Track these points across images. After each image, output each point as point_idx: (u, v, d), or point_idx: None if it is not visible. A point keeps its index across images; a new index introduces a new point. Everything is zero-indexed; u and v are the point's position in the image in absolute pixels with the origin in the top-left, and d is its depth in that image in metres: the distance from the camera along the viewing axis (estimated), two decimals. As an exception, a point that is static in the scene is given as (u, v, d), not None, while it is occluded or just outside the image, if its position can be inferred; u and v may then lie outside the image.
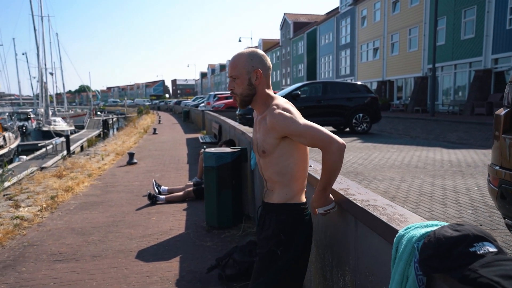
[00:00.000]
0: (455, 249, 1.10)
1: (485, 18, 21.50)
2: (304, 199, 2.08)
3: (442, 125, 16.70)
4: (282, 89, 21.01)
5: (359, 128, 12.87)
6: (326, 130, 1.90)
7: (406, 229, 1.34)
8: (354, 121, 12.79)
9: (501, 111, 2.24)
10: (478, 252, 1.07)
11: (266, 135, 1.98)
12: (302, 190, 2.08)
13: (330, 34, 42.11)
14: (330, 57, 42.45)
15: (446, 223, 1.27)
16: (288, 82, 52.99)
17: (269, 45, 64.64)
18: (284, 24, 55.55)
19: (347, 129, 13.26)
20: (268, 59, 2.09)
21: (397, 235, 1.36)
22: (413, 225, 1.36)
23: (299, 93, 11.99)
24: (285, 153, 1.97)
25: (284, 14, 54.51)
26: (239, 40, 51.20)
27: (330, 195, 2.01)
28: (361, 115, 12.82)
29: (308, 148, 2.08)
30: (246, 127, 7.82)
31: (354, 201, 1.82)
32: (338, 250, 2.14)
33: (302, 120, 1.93)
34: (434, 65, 21.80)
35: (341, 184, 2.15)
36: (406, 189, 5.68)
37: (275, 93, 2.18)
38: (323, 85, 13.08)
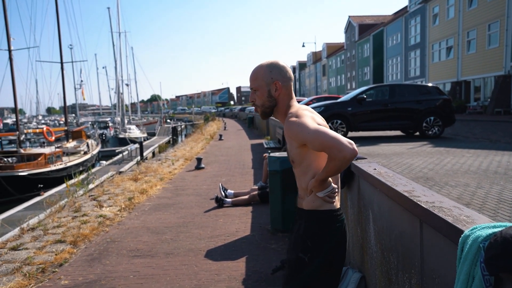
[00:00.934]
0: (523, 248, 1.10)
1: None
2: (337, 206, 2.02)
3: (526, 128, 15.40)
4: (347, 93, 20.68)
5: (430, 132, 12.26)
6: (337, 135, 1.81)
7: (472, 230, 1.34)
8: (424, 124, 12.21)
9: None
10: (547, 252, 1.06)
11: (290, 146, 1.98)
12: (326, 200, 2.02)
13: (398, 35, 40.59)
14: (398, 58, 40.88)
15: (514, 224, 1.25)
16: (354, 86, 51.84)
17: (333, 49, 63.77)
18: (348, 27, 54.56)
19: (417, 133, 12.71)
20: (288, 70, 2.07)
21: (462, 235, 1.36)
22: (479, 225, 1.35)
23: (365, 96, 11.71)
24: (314, 161, 1.94)
25: (349, 17, 53.53)
26: (303, 45, 51.17)
27: (329, 179, 1.92)
28: (432, 118, 12.21)
29: None
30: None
31: (419, 203, 1.81)
32: (403, 253, 2.13)
33: (313, 125, 1.87)
34: (517, 62, 20.12)
35: (405, 187, 2.14)
36: (483, 196, 5.34)
37: (311, 101, 2.16)
38: (390, 88, 12.66)
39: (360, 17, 52.97)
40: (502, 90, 24.67)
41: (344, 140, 1.77)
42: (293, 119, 1.91)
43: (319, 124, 1.95)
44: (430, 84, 13.26)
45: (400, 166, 7.82)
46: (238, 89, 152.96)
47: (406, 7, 39.84)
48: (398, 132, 13.74)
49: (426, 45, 34.91)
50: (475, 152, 9.53)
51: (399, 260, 2.20)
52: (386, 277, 2.43)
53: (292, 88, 2.10)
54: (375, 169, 2.75)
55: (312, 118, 1.95)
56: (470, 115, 25.63)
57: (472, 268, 1.26)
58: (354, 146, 1.78)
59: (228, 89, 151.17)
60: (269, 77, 2.00)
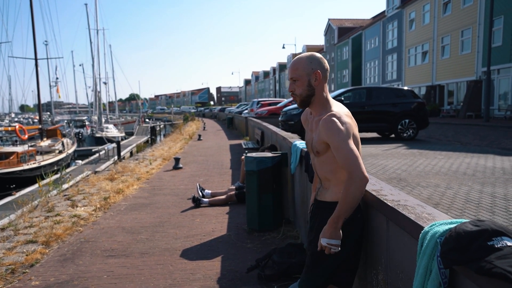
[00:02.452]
0: (474, 242, 1.16)
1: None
2: None
3: (497, 131, 15.90)
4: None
5: (405, 135, 12.56)
6: (360, 160, 1.93)
7: (431, 226, 1.40)
8: (399, 127, 12.51)
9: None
10: (496, 246, 1.12)
11: (319, 138, 2.05)
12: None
13: (376, 39, 41.33)
14: (376, 62, 41.62)
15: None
16: (332, 88, 52.43)
17: (313, 51, 64.14)
18: (328, 30, 55.17)
19: (393, 135, 12.98)
20: (325, 61, 2.16)
21: (422, 231, 1.42)
22: (438, 222, 1.41)
23: (342, 99, 11.91)
24: None
25: (329, 19, 54.14)
26: (283, 47, 51.41)
27: (340, 231, 1.99)
28: (407, 121, 12.51)
29: (360, 147, 2.11)
30: (288, 133, 7.91)
31: (385, 201, 1.88)
32: (371, 250, 2.19)
33: (347, 138, 1.95)
34: (489, 68, 20.70)
35: (374, 186, 2.20)
36: (452, 196, 5.53)
37: None
38: (367, 91, 12.91)
39: (339, 20, 53.65)
40: (474, 94, 25.42)
41: (362, 166, 1.92)
42: (336, 121, 1.98)
43: (353, 133, 2.04)
44: (405, 88, 13.58)
45: (375, 167, 7.99)
46: (218, 89, 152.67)
47: (384, 11, 40.57)
48: (374, 134, 14.01)
49: (403, 49, 35.67)
50: (447, 154, 9.82)
51: (367, 257, 2.26)
52: (357, 274, 2.49)
53: (327, 80, 2.17)
54: (374, 185, 2.81)
55: (351, 127, 2.02)
56: (443, 119, 26.31)
57: (430, 262, 1.33)
58: (367, 176, 1.94)
59: (208, 89, 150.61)
60: (310, 68, 2.08)
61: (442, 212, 1.69)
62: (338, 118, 1.99)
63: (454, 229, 1.25)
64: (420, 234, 1.42)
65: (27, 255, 4.60)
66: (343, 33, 51.01)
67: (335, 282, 2.15)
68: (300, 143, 4.83)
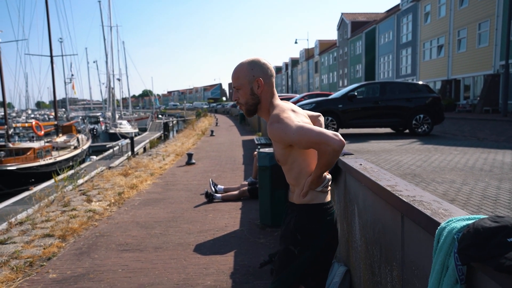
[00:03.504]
0: (493, 239, 1.14)
1: None
2: (328, 199, 2.05)
3: (514, 126, 15.61)
4: (339, 90, 20.72)
5: (419, 130, 12.39)
6: (321, 130, 1.83)
7: (448, 222, 1.38)
8: (414, 122, 12.33)
9: None
10: (515, 242, 1.10)
11: (275, 147, 1.99)
12: (324, 191, 2.05)
13: (390, 33, 40.82)
14: (390, 56, 41.13)
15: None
16: (346, 83, 52.06)
17: (325, 46, 63.92)
18: (341, 24, 54.70)
19: (407, 130, 12.83)
20: (270, 66, 2.06)
21: (439, 227, 1.40)
22: (455, 218, 1.39)
23: (356, 94, 11.79)
24: (297, 159, 1.97)
25: (342, 14, 53.67)
26: (295, 42, 51.18)
27: (324, 179, 1.98)
28: (421, 116, 12.34)
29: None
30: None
31: (400, 197, 1.86)
32: (386, 246, 2.18)
33: (295, 125, 1.86)
34: (507, 61, 20.26)
35: (389, 181, 2.19)
36: (468, 192, 5.44)
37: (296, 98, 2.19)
38: (381, 86, 12.76)
39: (353, 14, 53.15)
40: (491, 89, 24.94)
41: (329, 133, 1.80)
42: (275, 124, 1.89)
43: (292, 109, 1.99)
44: (420, 82, 13.39)
45: (389, 163, 7.91)
46: (231, 85, 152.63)
47: (398, 5, 40.06)
48: (388, 130, 13.86)
49: (418, 43, 35.18)
50: (463, 149, 9.66)
51: (382, 253, 2.25)
52: (370, 270, 2.49)
53: (274, 85, 2.09)
54: (360, 164, 2.80)
55: (293, 117, 1.94)
56: (459, 113, 25.91)
57: (446, 258, 1.31)
58: (340, 136, 1.80)
59: (220, 85, 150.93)
60: (251, 75, 1.99)
61: (458, 208, 1.66)
62: (276, 121, 1.90)
63: (472, 225, 1.23)
64: (437, 230, 1.40)
65: (44, 249, 4.70)
66: (356, 27, 50.52)
67: (305, 284, 2.08)
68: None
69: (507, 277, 1.07)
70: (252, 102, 2.03)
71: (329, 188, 2.05)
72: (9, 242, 5.00)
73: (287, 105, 2.06)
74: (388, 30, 41.39)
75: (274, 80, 2.09)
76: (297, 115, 1.99)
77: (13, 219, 6.15)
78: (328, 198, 2.07)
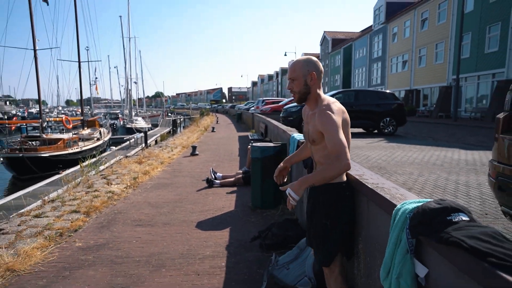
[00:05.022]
0: (436, 217, 1.19)
1: (509, 33, 19.92)
2: (345, 179, 2.08)
3: (463, 130, 15.77)
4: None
5: (386, 130, 12.51)
6: (347, 149, 1.88)
7: (402, 204, 1.43)
8: (381, 124, 12.46)
9: (501, 115, 2.21)
10: (454, 220, 1.15)
11: (314, 128, 2.02)
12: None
13: (364, 49, 40.89)
14: (363, 68, 41.24)
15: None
16: (327, 90, 52.03)
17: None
18: (323, 41, 54.63)
19: (376, 131, 12.93)
20: (320, 64, 2.11)
21: (395, 208, 1.45)
22: (408, 201, 1.44)
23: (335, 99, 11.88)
24: None
25: (324, 32, 53.57)
26: (285, 54, 50.98)
27: (302, 191, 1.97)
28: (388, 119, 12.46)
29: (350, 140, 2.09)
30: (287, 127, 7.91)
31: (366, 184, 1.90)
32: (355, 226, 2.21)
33: (338, 127, 1.92)
34: (458, 76, 20.56)
35: (357, 171, 2.22)
36: (422, 182, 5.53)
37: None
38: (355, 93, 12.84)
39: (333, 33, 53.07)
40: (445, 98, 25.22)
41: (348, 155, 1.86)
42: (328, 112, 1.94)
43: (344, 118, 2.01)
44: (388, 91, 13.45)
45: (360, 157, 7.98)
46: (230, 89, 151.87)
47: (371, 26, 40.08)
48: (360, 130, 13.96)
49: (386, 58, 35.30)
50: (420, 147, 9.78)
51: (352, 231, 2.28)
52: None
53: (321, 79, 2.12)
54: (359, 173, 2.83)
55: (340, 115, 1.99)
56: (419, 118, 26.09)
57: (400, 233, 1.36)
58: (350, 163, 1.87)
59: (221, 89, 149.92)
60: (306, 69, 2.05)
61: (412, 193, 1.71)
62: (331, 112, 1.95)
63: (421, 207, 1.28)
64: (393, 211, 1.45)
65: (72, 222, 4.70)
66: (336, 43, 50.50)
67: (341, 252, 2.13)
68: (297, 135, 4.83)
69: (445, 248, 1.12)
70: (304, 91, 2.07)
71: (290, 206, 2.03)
72: (43, 216, 4.99)
73: (335, 101, 2.10)
74: (362, 47, 41.45)
75: (322, 75, 2.12)
76: (343, 113, 2.04)
77: (46, 197, 6.12)
78: (345, 178, 2.10)
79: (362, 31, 46.54)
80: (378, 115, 12.40)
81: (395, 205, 1.48)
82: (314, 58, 2.13)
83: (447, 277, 1.19)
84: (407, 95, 31.51)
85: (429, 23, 27.89)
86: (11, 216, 5.47)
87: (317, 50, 66.15)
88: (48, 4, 20.58)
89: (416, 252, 1.34)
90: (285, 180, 2.54)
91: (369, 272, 1.94)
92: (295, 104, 12.62)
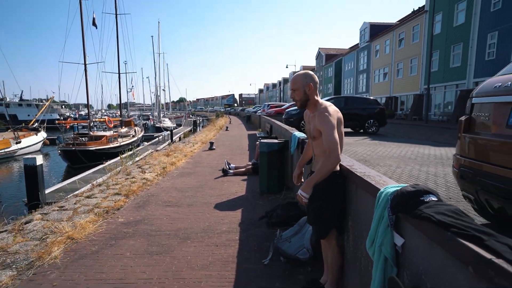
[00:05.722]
0: (412, 198, 1.23)
1: (469, 52, 19.95)
2: (338, 169, 2.12)
3: (433, 130, 15.60)
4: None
5: (370, 130, 12.44)
6: (339, 146, 1.93)
7: (385, 188, 1.47)
8: (366, 125, 12.39)
9: (463, 118, 2.24)
10: (425, 200, 1.19)
11: (314, 127, 2.07)
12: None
13: (352, 63, 40.49)
14: (352, 79, 40.85)
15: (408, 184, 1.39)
16: (321, 97, 51.30)
17: (307, 69, 63.23)
18: (318, 55, 54.18)
19: (361, 130, 12.87)
20: (316, 77, 2.16)
21: (379, 192, 1.49)
22: (389, 186, 1.48)
23: (327, 104, 11.85)
24: None
25: (319, 48, 53.11)
26: (286, 67, 50.77)
27: (311, 189, 2.02)
28: (371, 120, 12.39)
29: (343, 137, 2.13)
30: (289, 127, 7.92)
31: (355, 172, 1.93)
32: (346, 207, 2.24)
33: (334, 127, 1.96)
34: (429, 86, 20.43)
35: (348, 163, 2.25)
36: (399, 172, 5.52)
37: None
38: (345, 99, 12.78)
39: (326, 49, 52.58)
40: (418, 104, 25.02)
41: (339, 151, 1.92)
42: (326, 114, 1.99)
43: (338, 117, 2.04)
44: (372, 98, 13.36)
45: (348, 152, 7.97)
46: (240, 95, 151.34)
47: (358, 44, 39.65)
48: (349, 129, 13.89)
49: (370, 70, 34.94)
50: (398, 144, 9.71)
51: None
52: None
53: (317, 88, 2.17)
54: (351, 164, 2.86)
55: (335, 117, 2.02)
56: (397, 120, 25.83)
57: (383, 211, 1.40)
58: (340, 157, 1.93)
59: (233, 95, 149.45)
60: (305, 81, 2.10)
61: (392, 180, 1.74)
62: (328, 114, 1.99)
63: (400, 190, 1.31)
64: (378, 194, 1.49)
65: (115, 202, 4.78)
66: (328, 58, 50.03)
67: (335, 227, 2.19)
68: (298, 133, 4.85)
69: (418, 222, 1.16)
70: (304, 99, 2.12)
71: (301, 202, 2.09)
72: (92, 197, 5.09)
73: (328, 103, 2.14)
74: (351, 61, 41.04)
75: (318, 85, 2.16)
76: (338, 114, 2.07)
77: (94, 182, 6.23)
78: (338, 168, 2.12)
79: (351, 48, 46.04)
80: (364, 118, 12.34)
81: (379, 189, 1.51)
82: (311, 72, 2.16)
83: (419, 244, 1.23)
84: (387, 101, 31.20)
85: (405, 42, 27.62)
86: (68, 196, 5.59)
87: (313, 63, 65.66)
88: (96, 28, 20.86)
89: (395, 226, 1.38)
90: (302, 181, 2.56)
91: (356, 244, 1.98)
92: (295, 108, 12.60)
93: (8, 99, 37.87)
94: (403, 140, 10.93)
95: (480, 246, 0.89)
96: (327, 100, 12.25)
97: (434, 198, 1.19)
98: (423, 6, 26.04)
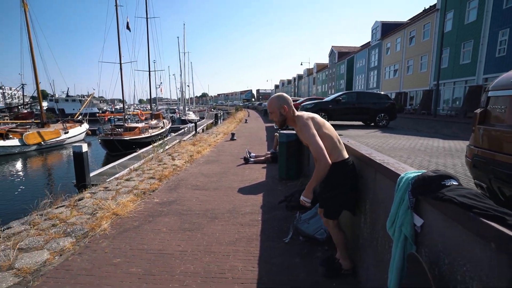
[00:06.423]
0: (434, 182, 1.23)
1: (480, 49, 18.82)
2: (346, 156, 2.15)
3: (441, 124, 14.96)
4: (329, 96, 20.35)
5: (380, 123, 12.12)
6: (324, 151, 1.95)
7: (405, 174, 1.46)
8: (377, 118, 12.05)
9: (478, 110, 2.17)
10: (447, 184, 1.18)
11: (302, 139, 2.13)
12: (340, 153, 2.13)
13: (363, 60, 39.24)
14: (363, 75, 39.66)
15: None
16: (333, 92, 50.62)
17: (321, 67, 61.92)
18: (331, 53, 52.84)
19: (372, 124, 12.56)
20: (289, 98, 2.20)
21: (399, 177, 1.48)
22: (409, 172, 1.47)
23: (341, 98, 11.60)
24: None
25: (332, 46, 51.77)
26: (301, 64, 49.96)
27: (311, 194, 2.05)
28: (382, 114, 12.03)
29: (330, 130, 2.14)
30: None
31: (375, 160, 1.93)
32: (363, 190, 2.23)
33: (314, 136, 2.00)
34: (438, 82, 19.55)
35: (367, 151, 2.23)
36: (410, 163, 5.36)
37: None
38: (356, 94, 12.44)
39: (339, 47, 51.20)
40: (427, 99, 24.05)
41: (326, 156, 1.94)
42: (305, 128, 2.03)
43: (315, 122, 2.06)
44: (382, 93, 12.96)
45: (361, 143, 7.83)
46: (257, 90, 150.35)
47: (369, 42, 38.33)
48: (360, 123, 13.59)
49: (381, 67, 33.78)
50: (407, 137, 9.41)
51: (361, 195, 2.31)
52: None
53: (293, 106, 2.20)
54: (348, 141, 2.85)
55: (311, 123, 2.05)
56: (406, 114, 24.95)
57: (403, 194, 1.40)
58: (328, 160, 1.94)
59: (251, 90, 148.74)
60: (279, 104, 2.15)
61: (411, 167, 1.72)
62: (306, 126, 2.03)
63: (421, 175, 1.31)
64: (398, 179, 1.48)
65: (150, 185, 4.95)
66: (341, 55, 48.71)
67: (345, 208, 2.25)
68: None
69: (440, 203, 1.16)
70: (281, 119, 2.19)
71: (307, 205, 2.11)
72: (131, 180, 5.29)
73: (307, 115, 2.16)
74: (362, 58, 39.79)
75: (292, 104, 2.21)
76: (315, 121, 2.09)
77: (132, 167, 6.46)
78: (346, 155, 2.15)
79: (362, 46, 44.56)
80: (374, 111, 12.00)
81: (399, 175, 1.51)
82: (284, 95, 2.19)
83: (438, 224, 1.23)
84: (397, 96, 30.13)
85: (416, 40, 26.41)
86: (109, 179, 5.84)
87: (326, 60, 63.96)
88: (130, 31, 21.32)
89: (414, 208, 1.38)
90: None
91: (373, 225, 1.99)
92: (310, 102, 12.46)
93: (57, 96, 39.55)
94: (412, 133, 10.57)
95: (503, 225, 0.88)
96: (340, 95, 12.04)
97: (455, 183, 1.18)
98: (434, 5, 24.73)
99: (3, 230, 3.28)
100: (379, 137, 9.36)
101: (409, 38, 27.62)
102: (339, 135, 2.25)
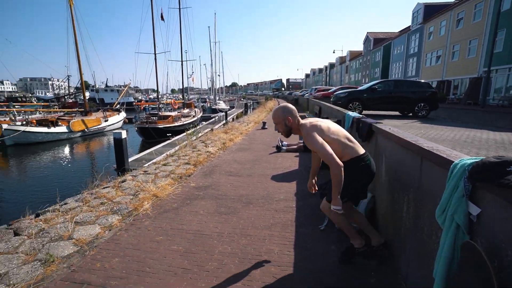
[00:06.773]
0: (497, 167, 1.15)
1: (544, 29, 16.44)
2: (361, 152, 2.19)
3: (491, 115, 13.65)
4: (362, 85, 19.24)
5: (419, 114, 11.40)
6: (333, 154, 1.97)
7: (460, 160, 1.38)
8: (416, 108, 11.35)
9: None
10: (512, 171, 1.10)
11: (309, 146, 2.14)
12: (353, 149, 2.17)
13: (402, 46, 36.71)
14: (400, 63, 37.22)
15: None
16: (366, 81, 48.29)
17: (354, 55, 59.16)
18: (366, 40, 50.12)
19: (410, 114, 11.85)
20: (293, 108, 2.22)
21: (453, 163, 1.41)
22: (464, 158, 1.39)
23: (376, 87, 11.06)
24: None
25: (367, 32, 49.03)
26: (333, 52, 48.11)
27: (339, 201, 2.07)
28: (422, 104, 11.29)
29: (337, 131, 2.17)
30: (339, 107, 7.64)
31: (421, 146, 1.84)
32: (404, 180, 2.15)
33: (320, 142, 2.03)
34: (489, 68, 17.64)
35: (412, 138, 2.14)
36: (455, 155, 5.03)
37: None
38: (394, 82, 11.76)
39: (375, 33, 48.37)
40: (474, 88, 21.93)
41: (336, 159, 1.98)
42: (310, 135, 2.08)
43: (318, 128, 2.10)
44: (423, 81, 12.12)
45: (397, 134, 7.45)
46: (287, 80, 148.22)
47: (409, 26, 35.68)
48: (396, 113, 12.89)
49: (422, 54, 31.41)
50: (451, 128, 8.76)
51: (400, 185, 2.24)
52: (390, 195, 2.49)
53: (297, 114, 2.24)
54: (390, 128, 2.74)
55: (316, 130, 2.10)
56: (449, 104, 23.10)
57: (458, 181, 1.33)
58: (339, 162, 1.98)
59: (281, 79, 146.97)
60: (283, 116, 2.20)
61: (465, 155, 1.62)
62: (309, 132, 2.07)
63: (481, 161, 1.23)
64: (451, 165, 1.41)
65: (186, 170, 5.18)
66: (377, 42, 46.00)
67: (350, 199, 2.29)
68: (352, 113, 4.67)
69: (504, 190, 1.09)
70: (287, 129, 2.24)
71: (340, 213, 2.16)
72: (168, 165, 5.56)
73: (309, 123, 2.18)
74: (400, 45, 37.25)
75: (297, 114, 2.24)
76: (318, 130, 2.11)
77: (168, 153, 6.78)
78: (362, 151, 2.19)
79: (401, 31, 41.57)
80: (413, 101, 11.29)
81: (452, 161, 1.43)
82: (289, 106, 2.22)
83: (500, 213, 1.16)
84: (438, 85, 27.96)
85: (464, 22, 23.93)
86: (147, 164, 6.20)
87: (360, 47, 60.87)
88: (164, 21, 22.02)
89: (470, 195, 1.31)
90: (316, 189, 2.68)
91: (417, 214, 1.92)
92: (343, 91, 12.04)
93: (97, 86, 42.39)
94: (456, 124, 9.81)
95: None
96: (375, 84, 11.47)
97: (522, 169, 1.10)
98: (489, -19, 22.16)
99: (61, 206, 3.66)
100: (418, 128, 8.81)
101: (456, 21, 25.21)
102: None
